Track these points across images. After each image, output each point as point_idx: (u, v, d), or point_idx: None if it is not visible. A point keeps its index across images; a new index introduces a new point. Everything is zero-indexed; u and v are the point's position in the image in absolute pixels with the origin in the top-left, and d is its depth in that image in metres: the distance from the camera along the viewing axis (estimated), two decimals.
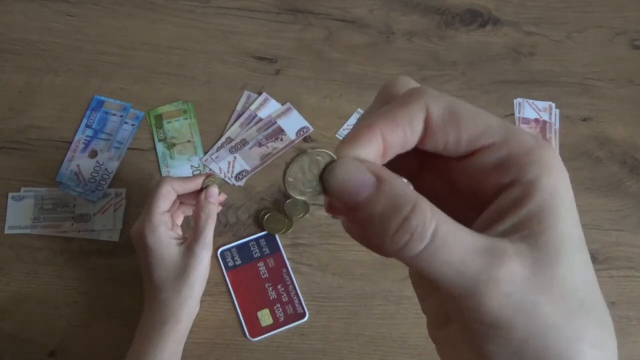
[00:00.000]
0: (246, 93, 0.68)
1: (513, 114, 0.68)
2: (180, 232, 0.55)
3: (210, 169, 0.63)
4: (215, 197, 0.53)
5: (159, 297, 0.48)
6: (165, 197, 0.50)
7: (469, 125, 0.19)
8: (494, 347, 0.18)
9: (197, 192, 0.53)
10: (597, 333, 0.18)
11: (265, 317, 0.57)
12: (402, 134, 0.19)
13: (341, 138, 0.65)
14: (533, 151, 0.19)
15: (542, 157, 0.19)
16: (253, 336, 0.56)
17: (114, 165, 0.62)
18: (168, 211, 0.51)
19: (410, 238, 0.17)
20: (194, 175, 0.54)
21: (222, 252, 0.59)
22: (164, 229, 0.49)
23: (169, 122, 0.65)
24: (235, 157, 0.64)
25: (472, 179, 0.20)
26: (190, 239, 0.50)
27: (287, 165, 0.20)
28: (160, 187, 0.50)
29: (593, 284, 0.19)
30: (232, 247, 0.59)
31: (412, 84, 0.21)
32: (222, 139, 0.64)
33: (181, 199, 0.54)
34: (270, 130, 0.65)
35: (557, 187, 0.18)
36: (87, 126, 0.64)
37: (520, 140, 0.19)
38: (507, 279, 0.17)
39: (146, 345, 0.47)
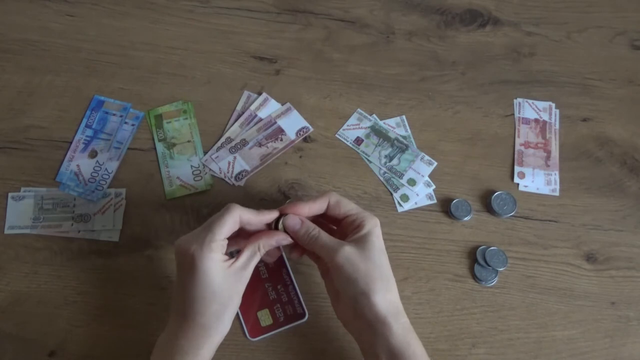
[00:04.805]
0: (246, 93, 0.68)
1: (513, 114, 0.68)
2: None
3: (210, 169, 0.63)
4: (281, 244, 0.51)
5: (197, 320, 0.46)
6: (232, 226, 0.48)
7: (345, 207, 0.51)
8: (340, 280, 0.48)
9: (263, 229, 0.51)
10: (383, 283, 0.47)
11: (265, 317, 0.57)
12: (318, 207, 0.51)
13: (341, 138, 0.65)
14: (365, 217, 0.50)
15: (369, 218, 0.50)
16: (253, 336, 0.56)
17: (114, 165, 0.62)
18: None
19: (312, 235, 0.50)
20: (266, 211, 0.51)
21: None
22: (220, 254, 0.47)
23: (169, 122, 0.65)
24: (235, 157, 0.64)
25: (343, 225, 0.51)
26: (240, 265, 0.48)
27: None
28: (229, 215, 0.48)
29: (385, 264, 0.49)
30: None
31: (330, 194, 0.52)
32: (222, 139, 0.65)
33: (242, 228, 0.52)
34: (270, 130, 0.65)
35: (372, 230, 0.49)
36: (87, 126, 0.64)
37: (361, 213, 0.50)
38: (344, 251, 0.47)
39: None
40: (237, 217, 0.48)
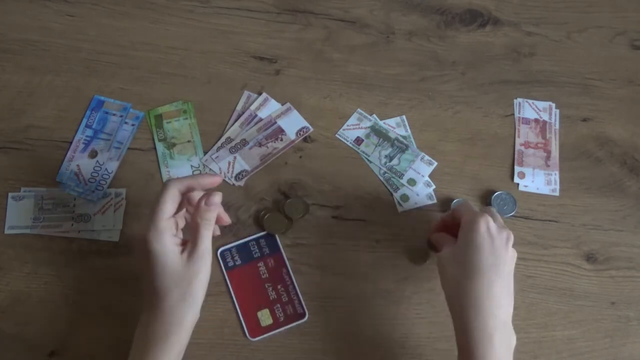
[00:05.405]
0: (246, 93, 0.68)
1: (513, 114, 0.68)
2: (181, 235, 0.53)
3: (210, 169, 0.63)
4: (215, 205, 0.50)
5: (162, 306, 0.47)
6: (172, 201, 0.48)
7: (457, 211, 0.54)
8: (442, 275, 0.52)
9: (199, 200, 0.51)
10: (468, 277, 0.48)
11: (265, 317, 0.57)
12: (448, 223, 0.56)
13: (341, 138, 0.65)
14: (464, 215, 0.52)
15: (465, 216, 0.52)
16: (253, 336, 0.56)
17: (114, 165, 0.62)
18: (173, 216, 0.49)
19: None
20: (204, 174, 0.52)
21: (222, 252, 0.59)
22: (169, 235, 0.47)
23: (169, 122, 0.65)
24: (235, 157, 0.64)
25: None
26: (190, 245, 0.48)
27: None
28: (166, 191, 0.48)
29: (474, 258, 0.48)
30: (232, 247, 0.59)
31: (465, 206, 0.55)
32: (222, 139, 0.65)
33: (183, 204, 0.52)
34: (270, 130, 0.65)
35: (464, 226, 0.51)
36: (87, 126, 0.64)
37: (464, 212, 0.52)
38: (440, 256, 0.52)
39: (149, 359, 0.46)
40: (175, 190, 0.48)
